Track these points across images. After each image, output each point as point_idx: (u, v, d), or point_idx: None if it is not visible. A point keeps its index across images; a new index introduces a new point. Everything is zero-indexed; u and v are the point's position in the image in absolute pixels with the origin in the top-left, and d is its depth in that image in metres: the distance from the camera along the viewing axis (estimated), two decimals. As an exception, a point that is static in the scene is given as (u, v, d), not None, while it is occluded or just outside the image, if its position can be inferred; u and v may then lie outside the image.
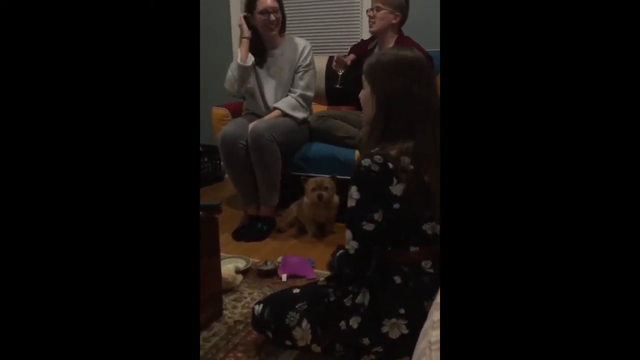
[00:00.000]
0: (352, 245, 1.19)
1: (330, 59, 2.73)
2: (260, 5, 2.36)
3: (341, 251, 1.26)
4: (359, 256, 1.20)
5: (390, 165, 1.17)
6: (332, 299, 1.28)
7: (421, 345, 0.66)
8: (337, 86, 2.48)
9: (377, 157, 1.18)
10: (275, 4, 2.38)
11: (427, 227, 1.21)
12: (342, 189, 2.19)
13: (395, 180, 1.17)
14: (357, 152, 2.25)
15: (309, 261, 2.00)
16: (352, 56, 2.50)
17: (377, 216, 1.18)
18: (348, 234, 1.20)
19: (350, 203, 1.20)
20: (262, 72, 2.51)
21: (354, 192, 1.19)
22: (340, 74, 2.45)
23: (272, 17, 2.38)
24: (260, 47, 2.44)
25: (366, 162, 1.18)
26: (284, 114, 2.45)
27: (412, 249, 1.22)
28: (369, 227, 1.18)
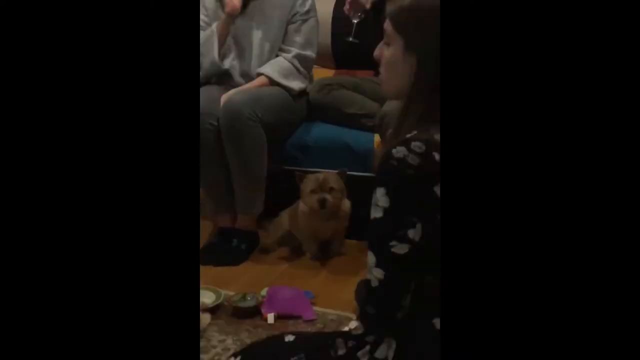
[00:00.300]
0: (375, 275, 1.11)
1: (340, 1, 2.39)
2: None
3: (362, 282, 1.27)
4: (386, 290, 1.09)
5: (437, 156, 1.06)
6: (340, 352, 1.09)
7: None
8: (350, 39, 2.15)
9: (417, 145, 1.07)
10: None
11: None
12: (355, 190, 1.99)
13: None
14: (377, 137, 2.04)
15: (306, 295, 1.79)
16: (372, -4, 2.20)
17: (414, 233, 1.07)
18: (371, 258, 1.10)
19: (375, 213, 1.11)
20: (241, 22, 2.15)
21: (380, 198, 1.08)
22: (355, 22, 2.13)
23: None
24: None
25: (399, 152, 1.07)
26: (273, 82, 2.12)
27: None
28: (401, 249, 1.08)
